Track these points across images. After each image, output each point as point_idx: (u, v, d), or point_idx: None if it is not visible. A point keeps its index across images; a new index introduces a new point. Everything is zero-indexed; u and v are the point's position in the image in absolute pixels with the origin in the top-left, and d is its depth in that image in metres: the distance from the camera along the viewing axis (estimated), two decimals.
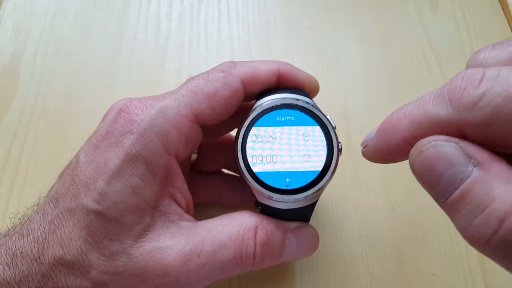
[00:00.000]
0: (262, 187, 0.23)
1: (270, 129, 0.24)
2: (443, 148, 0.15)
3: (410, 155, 0.17)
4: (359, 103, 0.38)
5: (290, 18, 0.42)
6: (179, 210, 0.24)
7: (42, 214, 0.22)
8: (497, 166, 0.15)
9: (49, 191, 0.24)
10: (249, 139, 0.23)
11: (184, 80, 0.25)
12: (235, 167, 0.24)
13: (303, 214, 0.25)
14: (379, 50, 0.40)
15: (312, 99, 0.25)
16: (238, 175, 0.31)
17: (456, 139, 0.15)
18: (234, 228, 0.23)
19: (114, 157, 0.22)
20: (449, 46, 0.40)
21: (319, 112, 0.24)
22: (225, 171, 0.32)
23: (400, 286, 0.30)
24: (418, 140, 0.16)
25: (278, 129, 0.24)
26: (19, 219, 0.24)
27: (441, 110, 0.16)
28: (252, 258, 0.23)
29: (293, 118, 0.24)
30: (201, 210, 0.29)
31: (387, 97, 0.38)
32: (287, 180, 0.23)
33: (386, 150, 0.18)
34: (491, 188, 0.14)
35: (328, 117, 0.24)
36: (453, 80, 0.16)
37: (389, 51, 0.40)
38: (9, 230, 0.23)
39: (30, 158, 0.35)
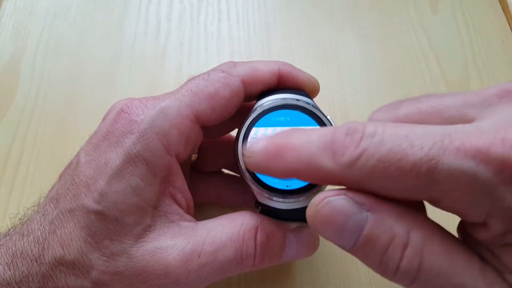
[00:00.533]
0: (262, 188, 0.23)
1: (271, 129, 0.24)
2: (336, 202, 0.17)
3: (308, 215, 0.18)
4: (359, 103, 0.38)
5: (290, 18, 0.42)
6: (180, 210, 0.24)
7: (43, 214, 0.22)
8: (386, 206, 0.17)
9: (49, 191, 0.24)
10: (249, 139, 0.23)
11: (184, 80, 0.25)
12: (236, 167, 0.24)
13: (303, 215, 0.25)
14: (379, 50, 0.40)
15: (312, 100, 0.25)
16: (238, 175, 0.31)
17: (344, 191, 0.17)
18: (235, 228, 0.23)
19: (114, 157, 0.22)
20: (449, 46, 0.40)
21: (319, 113, 0.24)
22: (225, 171, 0.32)
23: (400, 286, 0.30)
24: (301, 175, 0.18)
25: (279, 129, 0.24)
26: (19, 219, 0.24)
27: (325, 161, 0.17)
28: (253, 258, 0.23)
29: (293, 119, 0.24)
30: (202, 210, 0.29)
31: (387, 97, 0.38)
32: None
33: (268, 171, 0.19)
34: (389, 227, 0.16)
35: (328, 117, 0.24)
36: (337, 134, 0.17)
37: (389, 51, 0.40)
38: (9, 230, 0.23)
39: (30, 158, 0.35)
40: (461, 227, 0.18)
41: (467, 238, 0.17)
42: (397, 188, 0.16)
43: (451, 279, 0.16)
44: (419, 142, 0.15)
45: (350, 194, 0.17)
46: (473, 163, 0.14)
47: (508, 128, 0.15)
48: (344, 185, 0.17)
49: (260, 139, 0.20)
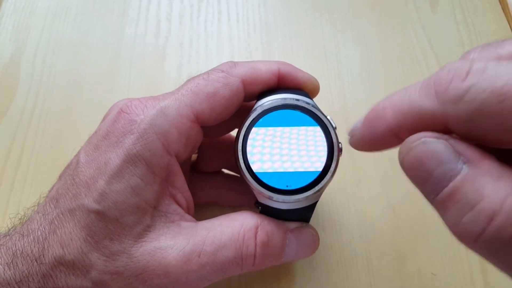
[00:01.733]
0: (262, 187, 0.23)
1: (271, 129, 0.24)
2: (432, 145, 0.15)
3: (400, 152, 0.17)
4: (359, 103, 0.38)
5: (290, 18, 0.42)
6: (180, 210, 0.24)
7: (43, 214, 0.22)
8: (487, 164, 0.15)
9: (50, 191, 0.24)
10: (249, 139, 0.23)
11: (184, 80, 0.25)
12: (236, 167, 0.24)
13: (303, 215, 0.25)
14: (379, 50, 0.40)
15: (312, 99, 0.25)
16: (239, 175, 0.31)
17: (446, 136, 0.15)
18: (235, 228, 0.23)
19: (114, 157, 0.22)
20: (449, 46, 0.40)
21: (319, 113, 0.24)
22: (225, 171, 0.32)
23: (400, 286, 0.30)
24: (403, 131, 0.16)
25: (279, 129, 0.24)
26: (19, 219, 0.24)
27: (426, 102, 0.15)
28: (253, 258, 0.23)
29: (293, 119, 0.24)
30: (202, 210, 0.29)
31: None
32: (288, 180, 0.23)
33: (372, 139, 0.18)
34: (480, 186, 0.14)
35: (328, 117, 0.24)
36: (439, 72, 0.15)
37: (389, 51, 0.40)
38: (9, 230, 0.23)
39: (30, 158, 0.35)
40: None
41: None
42: (509, 134, 0.14)
43: None
44: None
45: (452, 140, 0.15)
46: None
47: None
48: (450, 128, 0.15)
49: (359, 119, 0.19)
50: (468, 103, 0.14)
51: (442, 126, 0.16)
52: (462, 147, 0.15)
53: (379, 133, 0.17)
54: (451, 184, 0.15)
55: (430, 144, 0.15)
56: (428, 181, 0.16)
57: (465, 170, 0.15)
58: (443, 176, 0.15)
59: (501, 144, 0.15)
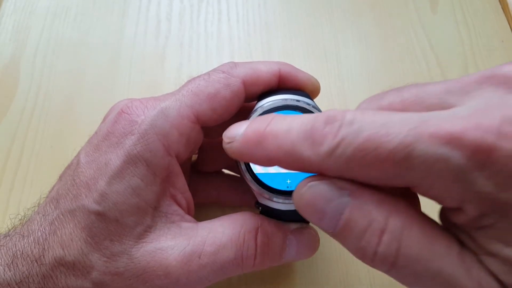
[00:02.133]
0: (262, 188, 0.23)
1: None
2: (318, 187, 0.17)
3: (294, 200, 0.18)
4: (359, 103, 0.37)
5: (290, 18, 0.42)
6: (180, 211, 0.24)
7: (43, 215, 0.22)
8: (367, 192, 0.17)
9: (50, 191, 0.24)
10: None
11: (185, 81, 0.25)
12: (236, 167, 0.24)
13: None
14: (379, 50, 0.40)
15: (313, 100, 0.25)
16: (239, 176, 0.31)
17: (327, 177, 0.17)
18: (235, 229, 0.23)
19: (115, 158, 0.22)
20: (449, 46, 0.40)
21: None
22: (226, 171, 0.32)
23: (400, 286, 0.30)
24: (282, 164, 0.18)
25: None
26: (20, 219, 0.24)
27: (304, 150, 0.17)
28: (253, 259, 0.23)
29: None
30: (202, 210, 0.29)
31: None
32: (288, 181, 0.23)
33: (248, 158, 0.20)
34: (367, 212, 0.16)
35: None
36: (317, 122, 0.17)
37: (389, 51, 0.40)
38: (9, 231, 0.23)
39: (30, 158, 0.35)
40: (441, 212, 0.18)
41: (447, 223, 0.17)
42: (375, 176, 0.16)
43: (429, 265, 0.16)
44: (395, 129, 0.15)
45: (333, 179, 0.17)
46: (446, 148, 0.14)
47: (483, 113, 0.15)
48: (325, 174, 0.17)
49: (238, 123, 0.20)
50: (339, 157, 0.16)
51: (318, 170, 0.17)
52: (342, 183, 0.17)
53: (257, 156, 0.19)
54: (343, 217, 0.17)
55: (316, 187, 0.18)
56: (323, 219, 0.17)
57: (350, 201, 0.17)
58: (335, 211, 0.17)
59: (372, 183, 0.17)
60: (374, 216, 0.16)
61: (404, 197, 0.18)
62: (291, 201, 0.23)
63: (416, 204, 0.20)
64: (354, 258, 0.31)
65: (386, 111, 0.17)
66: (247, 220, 0.23)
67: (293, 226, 0.25)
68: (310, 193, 0.18)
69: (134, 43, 0.40)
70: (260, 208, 0.24)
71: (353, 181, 0.17)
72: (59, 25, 0.41)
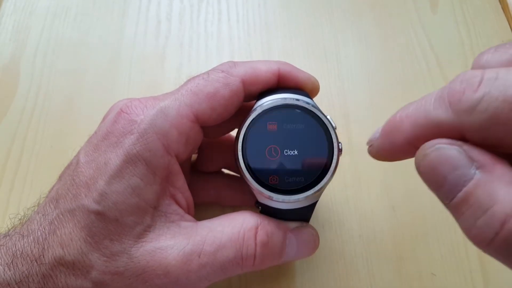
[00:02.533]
0: (262, 187, 0.23)
1: (271, 129, 0.24)
2: (446, 151, 0.16)
3: (416, 158, 0.17)
4: (359, 103, 0.38)
5: (290, 18, 0.42)
6: (180, 210, 0.24)
7: (42, 215, 0.22)
8: (499, 169, 0.15)
9: (49, 191, 0.24)
10: (249, 139, 0.23)
11: (184, 80, 0.25)
12: (236, 167, 0.24)
13: (303, 214, 0.25)
14: (379, 50, 0.40)
15: (312, 99, 0.25)
16: (239, 175, 0.31)
17: (459, 142, 0.16)
18: (235, 228, 0.23)
19: (114, 157, 0.22)
20: (449, 46, 0.40)
21: (319, 112, 0.24)
22: (225, 171, 0.32)
23: (400, 286, 0.30)
24: (420, 141, 0.17)
25: (279, 129, 0.24)
26: (19, 219, 0.24)
27: (441, 113, 0.16)
28: (253, 258, 0.23)
29: (293, 119, 0.24)
30: (202, 210, 0.29)
31: (387, 97, 0.38)
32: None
33: (391, 150, 0.19)
34: (493, 191, 0.15)
35: (328, 117, 0.24)
36: (452, 83, 0.16)
37: (389, 51, 0.40)
38: (9, 230, 0.23)
39: (30, 158, 0.35)
40: None
41: None
42: None
43: None
44: None
45: (465, 146, 0.16)
46: None
47: None
48: (465, 136, 0.16)
49: (378, 128, 0.20)
50: (482, 113, 0.15)
51: (458, 135, 0.16)
52: (475, 153, 0.15)
53: (397, 144, 0.18)
54: (465, 189, 0.15)
55: (444, 150, 0.16)
56: (442, 186, 0.16)
57: (478, 175, 0.15)
58: (457, 182, 0.15)
59: None
60: (502, 198, 0.14)
61: None
62: (290, 200, 0.23)
63: None
64: (354, 258, 0.31)
65: None
66: (247, 219, 0.23)
67: (293, 225, 0.25)
68: (436, 154, 0.16)
69: (134, 43, 0.40)
70: (260, 207, 0.24)
71: (488, 153, 0.15)
72: (59, 25, 0.41)
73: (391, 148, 0.19)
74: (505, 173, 0.15)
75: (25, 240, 0.22)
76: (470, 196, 0.15)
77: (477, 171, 0.15)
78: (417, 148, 0.17)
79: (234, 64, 0.25)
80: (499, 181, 0.15)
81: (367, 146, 0.20)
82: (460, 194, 0.15)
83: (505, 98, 0.14)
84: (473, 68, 0.18)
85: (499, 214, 0.14)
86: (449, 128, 0.16)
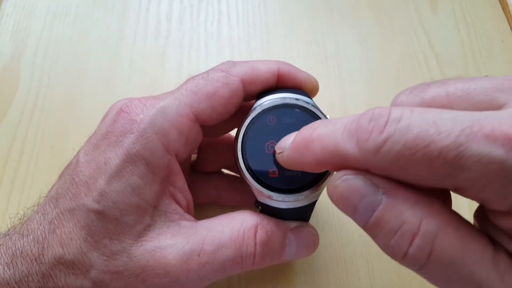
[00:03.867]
0: (262, 187, 0.23)
1: (270, 128, 0.24)
2: (353, 181, 0.17)
3: (327, 189, 0.18)
4: (359, 103, 0.38)
5: (290, 18, 0.42)
6: (180, 209, 0.24)
7: (42, 214, 0.22)
8: (402, 192, 0.17)
9: (49, 191, 0.24)
10: (249, 138, 0.23)
11: (184, 80, 0.25)
12: (235, 167, 0.24)
13: (303, 214, 0.25)
14: (379, 50, 0.40)
15: (312, 99, 0.25)
16: (238, 175, 0.31)
17: (363, 172, 0.17)
18: (234, 227, 0.23)
19: (114, 157, 0.22)
20: (449, 46, 0.40)
21: (319, 112, 0.24)
22: (225, 171, 0.32)
23: (400, 286, 0.30)
24: (329, 165, 0.18)
25: (278, 128, 0.24)
26: (19, 219, 0.24)
27: (349, 148, 0.17)
28: (252, 257, 0.23)
29: (293, 118, 0.24)
30: (201, 210, 0.29)
31: (387, 97, 0.38)
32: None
33: (299, 164, 0.19)
34: (399, 212, 0.16)
35: (328, 116, 0.24)
36: (362, 119, 0.17)
37: (389, 51, 0.40)
38: (9, 230, 0.23)
39: (30, 158, 0.35)
40: (479, 214, 0.18)
41: (486, 225, 0.17)
42: (423, 176, 0.16)
43: (461, 269, 0.16)
44: (446, 128, 0.15)
45: (369, 175, 0.17)
46: (502, 150, 0.14)
47: None
48: (370, 171, 0.17)
49: (288, 135, 0.20)
50: (385, 155, 0.16)
51: (364, 168, 0.17)
52: (379, 180, 0.17)
53: (306, 161, 0.19)
54: (375, 214, 0.17)
55: (350, 181, 0.17)
56: (355, 213, 0.17)
57: (384, 200, 0.17)
58: (367, 208, 0.17)
59: (418, 184, 0.17)
60: (407, 218, 0.16)
61: (438, 196, 0.17)
62: (290, 200, 0.23)
63: (449, 203, 0.20)
64: (354, 258, 0.31)
65: (431, 107, 0.17)
66: (247, 218, 0.23)
67: (293, 224, 0.25)
68: (344, 186, 0.17)
69: (134, 43, 0.41)
70: (259, 207, 0.24)
71: (389, 179, 0.17)
72: (59, 25, 0.41)
73: (299, 162, 0.19)
74: (409, 195, 0.17)
75: (24, 239, 0.22)
76: (380, 220, 0.17)
77: (383, 196, 0.17)
78: (324, 167, 0.18)
79: (233, 63, 0.25)
80: (404, 203, 0.16)
81: (276, 150, 0.21)
82: (372, 219, 0.17)
83: (405, 143, 0.15)
84: (391, 105, 0.20)
85: (407, 233, 0.16)
86: (355, 162, 0.17)
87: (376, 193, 0.17)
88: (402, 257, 0.16)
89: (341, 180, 0.17)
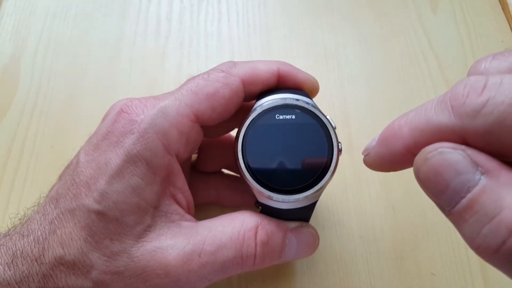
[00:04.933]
0: (262, 187, 0.23)
1: (270, 129, 0.24)
2: (450, 155, 0.15)
3: (415, 162, 0.16)
4: (359, 103, 0.38)
5: (290, 18, 0.42)
6: (180, 210, 0.24)
7: (43, 214, 0.22)
8: (506, 175, 0.14)
9: (49, 191, 0.24)
10: (249, 139, 0.23)
11: (184, 80, 0.25)
12: (235, 167, 0.24)
13: (303, 214, 0.25)
14: (379, 50, 0.40)
15: (312, 99, 0.25)
16: (238, 175, 0.31)
17: (463, 147, 0.15)
18: (235, 228, 0.23)
19: (114, 157, 0.22)
20: (449, 46, 0.40)
21: (319, 112, 0.24)
22: (225, 171, 0.32)
23: (400, 286, 0.30)
24: (420, 148, 0.16)
25: (278, 129, 0.24)
26: (19, 219, 0.24)
27: (443, 118, 0.16)
28: (253, 258, 0.23)
29: (293, 118, 0.24)
30: (202, 210, 0.29)
31: (387, 97, 0.38)
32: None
33: (388, 158, 0.18)
34: (499, 197, 0.14)
35: (328, 117, 0.24)
36: (455, 87, 0.15)
37: (389, 51, 0.40)
38: (9, 230, 0.23)
39: (30, 158, 0.35)
40: None
41: None
42: None
43: None
44: None
45: (469, 151, 0.15)
46: None
47: None
48: (467, 142, 0.15)
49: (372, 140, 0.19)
50: (486, 116, 0.14)
51: (460, 140, 0.15)
52: (480, 158, 0.15)
53: (395, 151, 0.17)
54: (469, 195, 0.15)
55: (447, 154, 0.15)
56: (444, 192, 0.15)
57: (483, 181, 0.14)
58: (461, 187, 0.15)
59: None
60: (509, 204, 0.14)
61: None
62: (290, 200, 0.23)
63: None
64: (354, 258, 0.31)
65: None
66: (247, 219, 0.23)
67: (293, 224, 0.25)
68: (438, 159, 0.15)
69: (134, 43, 0.41)
70: (260, 207, 0.24)
71: (491, 158, 0.15)
72: (59, 25, 0.41)
73: (388, 156, 0.18)
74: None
75: (25, 239, 0.22)
76: (475, 202, 0.14)
77: (482, 177, 0.15)
78: (415, 155, 0.17)
79: (234, 64, 0.25)
80: (505, 187, 0.14)
81: (363, 156, 0.20)
82: (464, 201, 0.15)
83: (511, 102, 0.14)
84: (469, 75, 0.18)
85: (506, 221, 0.13)
86: (451, 132, 0.15)
87: (474, 172, 0.15)
88: (494, 250, 0.14)
89: (435, 152, 0.15)
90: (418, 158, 0.16)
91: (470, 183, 0.15)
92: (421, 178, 0.16)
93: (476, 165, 0.15)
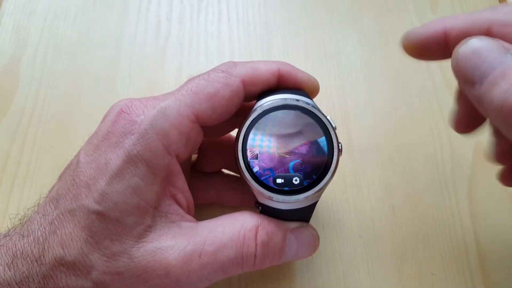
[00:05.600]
0: (262, 188, 0.23)
1: (271, 129, 0.24)
2: (486, 40, 0.19)
3: (456, 47, 0.19)
4: (359, 103, 0.38)
5: (290, 18, 0.42)
6: (180, 210, 0.24)
7: (43, 215, 0.22)
8: None
9: (50, 191, 0.24)
10: (249, 139, 0.24)
11: (184, 80, 0.25)
12: (236, 167, 0.24)
13: (304, 215, 0.25)
14: (379, 50, 0.40)
15: (312, 100, 0.25)
16: (239, 176, 0.31)
17: (497, 39, 0.19)
18: (235, 228, 0.23)
19: (115, 158, 0.22)
20: None
21: (319, 113, 0.24)
22: (225, 171, 0.32)
23: (400, 286, 0.30)
24: (458, 30, 0.20)
25: (279, 129, 0.24)
26: (19, 219, 0.24)
27: (487, 13, 0.19)
28: (253, 258, 0.23)
29: (293, 119, 0.24)
30: (202, 210, 0.29)
31: (387, 97, 0.38)
32: (296, 179, 0.23)
33: (425, 38, 0.22)
34: None
35: (328, 117, 0.24)
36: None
37: (389, 51, 0.40)
38: (9, 230, 0.23)
39: (30, 158, 0.35)
40: None
41: None
42: None
43: None
44: None
45: (502, 42, 0.18)
46: None
47: None
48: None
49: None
50: None
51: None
52: (511, 46, 0.18)
53: (433, 30, 0.21)
54: (504, 65, 0.17)
55: (485, 40, 0.19)
56: (480, 67, 0.18)
57: None
58: (495, 62, 0.18)
59: None
60: None
61: None
62: (290, 200, 0.23)
63: None
64: (354, 258, 0.31)
65: None
66: (247, 219, 0.23)
67: (293, 225, 0.25)
68: (477, 42, 0.19)
69: (134, 43, 0.40)
70: (260, 207, 0.24)
71: None
72: (59, 25, 0.41)
73: (426, 36, 0.22)
74: None
75: (25, 240, 0.22)
76: (508, 70, 0.17)
77: None
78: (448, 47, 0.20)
79: (234, 64, 0.25)
80: None
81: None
82: (498, 71, 0.17)
83: None
84: None
85: None
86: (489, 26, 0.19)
87: (506, 53, 0.18)
88: None
89: (474, 38, 0.19)
90: (460, 43, 0.19)
91: (502, 59, 0.18)
92: (460, 57, 0.19)
93: (507, 50, 0.18)
